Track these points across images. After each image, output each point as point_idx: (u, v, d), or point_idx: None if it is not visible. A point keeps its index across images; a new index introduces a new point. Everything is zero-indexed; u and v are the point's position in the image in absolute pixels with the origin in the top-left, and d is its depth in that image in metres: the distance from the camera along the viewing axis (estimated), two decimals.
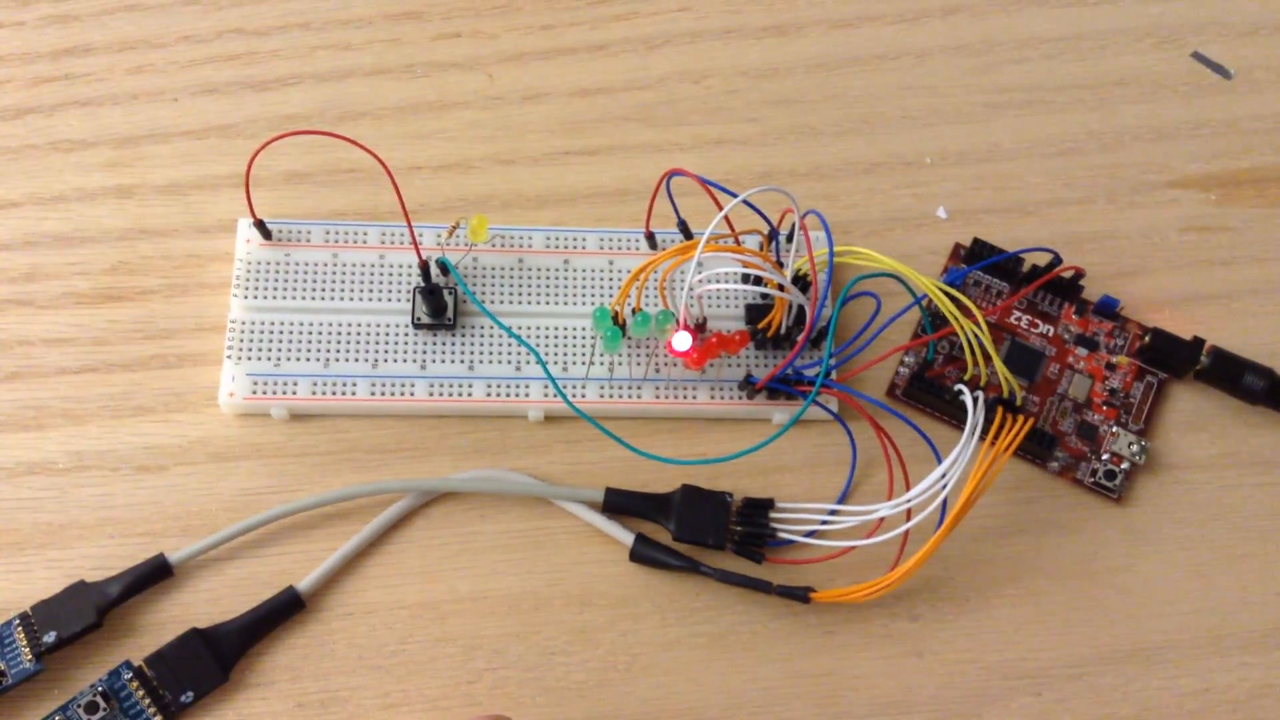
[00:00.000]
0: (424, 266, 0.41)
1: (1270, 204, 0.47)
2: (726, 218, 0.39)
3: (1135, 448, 0.43)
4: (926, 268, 0.45)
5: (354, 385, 0.41)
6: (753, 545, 0.41)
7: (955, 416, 0.43)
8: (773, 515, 0.41)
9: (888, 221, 0.46)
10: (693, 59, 0.48)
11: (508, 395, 0.42)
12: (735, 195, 0.38)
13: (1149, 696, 0.41)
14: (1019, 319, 0.45)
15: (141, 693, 0.38)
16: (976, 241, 0.45)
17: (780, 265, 0.41)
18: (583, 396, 0.42)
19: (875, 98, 0.48)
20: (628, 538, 0.41)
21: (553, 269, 0.44)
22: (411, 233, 0.41)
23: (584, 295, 0.43)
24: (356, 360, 0.42)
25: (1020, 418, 0.41)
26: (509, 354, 0.42)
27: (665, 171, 0.40)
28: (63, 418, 0.42)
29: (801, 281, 0.42)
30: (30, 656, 0.37)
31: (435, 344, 0.42)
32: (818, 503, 0.42)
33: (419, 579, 0.40)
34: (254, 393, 0.41)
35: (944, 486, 0.39)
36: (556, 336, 0.43)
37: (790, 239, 0.41)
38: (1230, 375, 0.43)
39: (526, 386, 0.42)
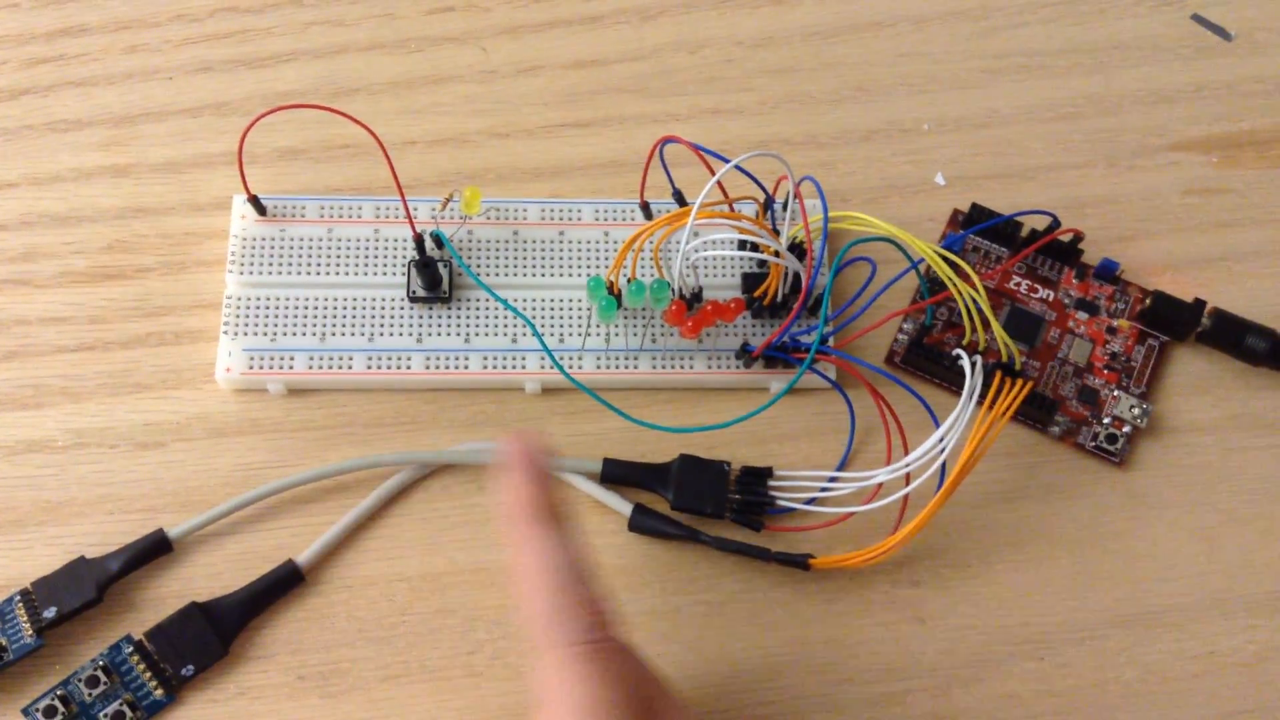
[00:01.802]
0: (419, 240, 0.41)
1: (1271, 165, 0.47)
2: (721, 186, 0.39)
3: (1137, 411, 0.42)
4: (925, 234, 0.45)
5: (350, 360, 0.41)
6: (751, 513, 0.40)
7: (955, 383, 0.43)
8: (771, 483, 0.41)
9: (885, 189, 0.46)
10: (688, 29, 0.48)
11: (504, 368, 0.42)
12: (729, 161, 0.38)
13: (1153, 660, 0.40)
14: (1018, 284, 0.44)
15: (142, 666, 0.38)
16: (975, 207, 0.45)
17: (776, 233, 0.41)
18: (579, 368, 0.42)
19: (872, 65, 0.48)
20: (626, 508, 0.41)
21: (548, 241, 0.43)
22: (406, 207, 0.41)
23: (579, 267, 0.43)
24: (352, 335, 0.42)
25: (1019, 381, 0.41)
26: (505, 326, 0.42)
27: (659, 139, 0.40)
28: (61, 396, 0.42)
29: (798, 249, 0.42)
30: (31, 632, 0.37)
31: (431, 317, 0.42)
32: (817, 470, 0.42)
33: (418, 551, 0.40)
34: (251, 368, 0.41)
35: (942, 450, 0.39)
36: (552, 308, 0.42)
37: (786, 207, 0.41)
38: (1232, 337, 0.43)
39: (523, 359, 0.42)
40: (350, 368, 0.41)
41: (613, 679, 0.29)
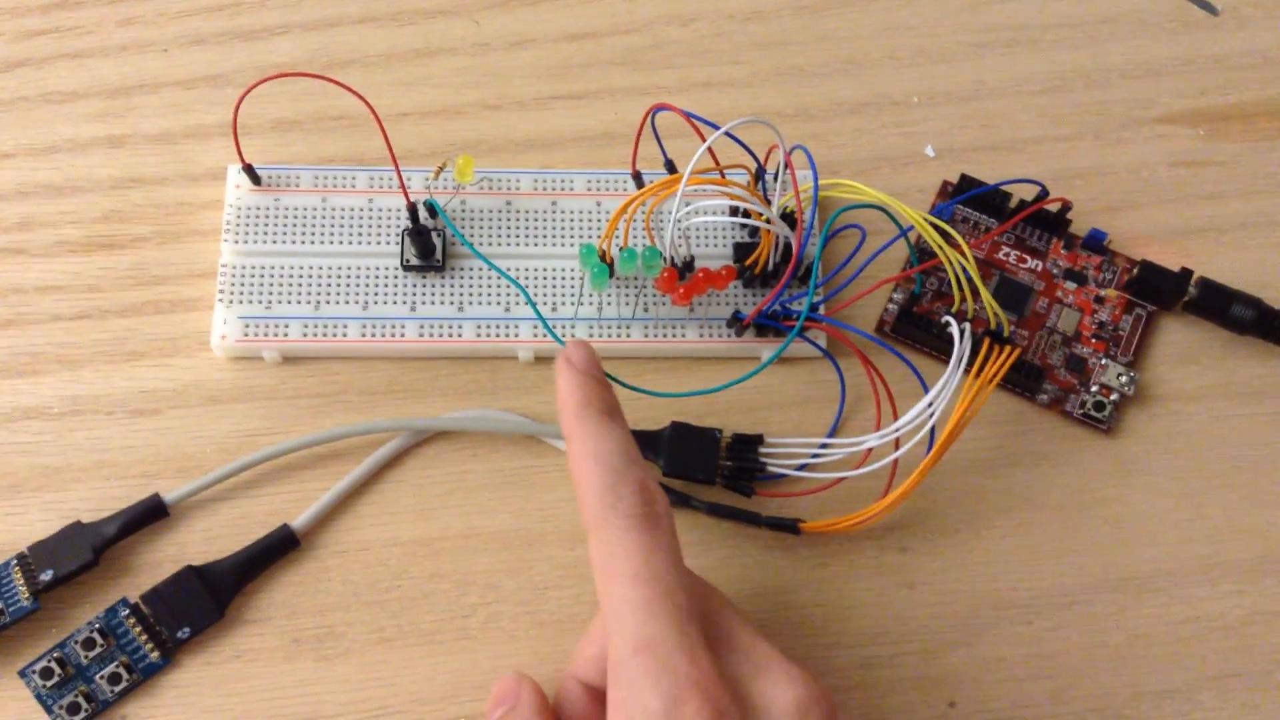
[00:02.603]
0: (412, 209, 0.42)
1: (1257, 138, 0.47)
2: (712, 153, 0.39)
3: (1124, 379, 0.43)
4: (915, 205, 0.45)
5: (345, 327, 0.42)
6: (742, 479, 0.41)
7: (944, 351, 0.43)
8: (762, 450, 0.41)
9: (876, 161, 0.47)
10: (679, 2, 0.49)
11: (497, 336, 0.42)
12: (719, 128, 0.38)
13: (1139, 624, 0.41)
14: (1007, 254, 0.45)
15: (138, 629, 0.38)
16: (964, 178, 0.45)
17: (768, 202, 0.41)
18: (572, 336, 0.42)
19: (862, 38, 0.48)
20: None
21: (540, 210, 0.44)
22: (399, 176, 0.41)
23: (572, 236, 0.43)
24: (347, 303, 0.42)
25: (1007, 349, 0.41)
26: (498, 295, 0.42)
27: (650, 107, 0.40)
28: (57, 363, 0.42)
29: (789, 218, 0.42)
30: (28, 595, 0.38)
31: (425, 286, 0.42)
32: (807, 437, 0.42)
33: (412, 517, 0.41)
34: (245, 335, 0.41)
35: (931, 416, 0.39)
36: (545, 277, 0.43)
37: (777, 177, 0.41)
38: (1218, 306, 0.43)
39: (516, 327, 0.42)
40: (345, 336, 0.42)
41: (663, 548, 0.31)
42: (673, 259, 0.41)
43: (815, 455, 0.41)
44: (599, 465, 0.32)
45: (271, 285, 0.42)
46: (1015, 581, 0.41)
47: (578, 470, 0.33)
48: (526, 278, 0.43)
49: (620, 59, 0.47)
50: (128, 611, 0.38)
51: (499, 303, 0.42)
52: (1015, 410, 0.43)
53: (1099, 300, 0.44)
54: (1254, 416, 0.44)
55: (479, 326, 0.42)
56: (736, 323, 0.42)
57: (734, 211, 0.42)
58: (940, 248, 0.40)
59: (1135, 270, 0.44)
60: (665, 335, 0.43)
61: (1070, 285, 0.44)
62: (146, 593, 0.38)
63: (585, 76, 0.47)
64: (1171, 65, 0.48)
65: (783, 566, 0.41)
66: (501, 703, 0.35)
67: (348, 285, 0.42)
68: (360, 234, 0.43)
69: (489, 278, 0.43)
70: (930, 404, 0.39)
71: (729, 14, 0.48)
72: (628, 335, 0.42)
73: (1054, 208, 0.44)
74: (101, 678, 0.37)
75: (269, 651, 0.39)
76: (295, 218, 0.43)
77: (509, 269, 0.42)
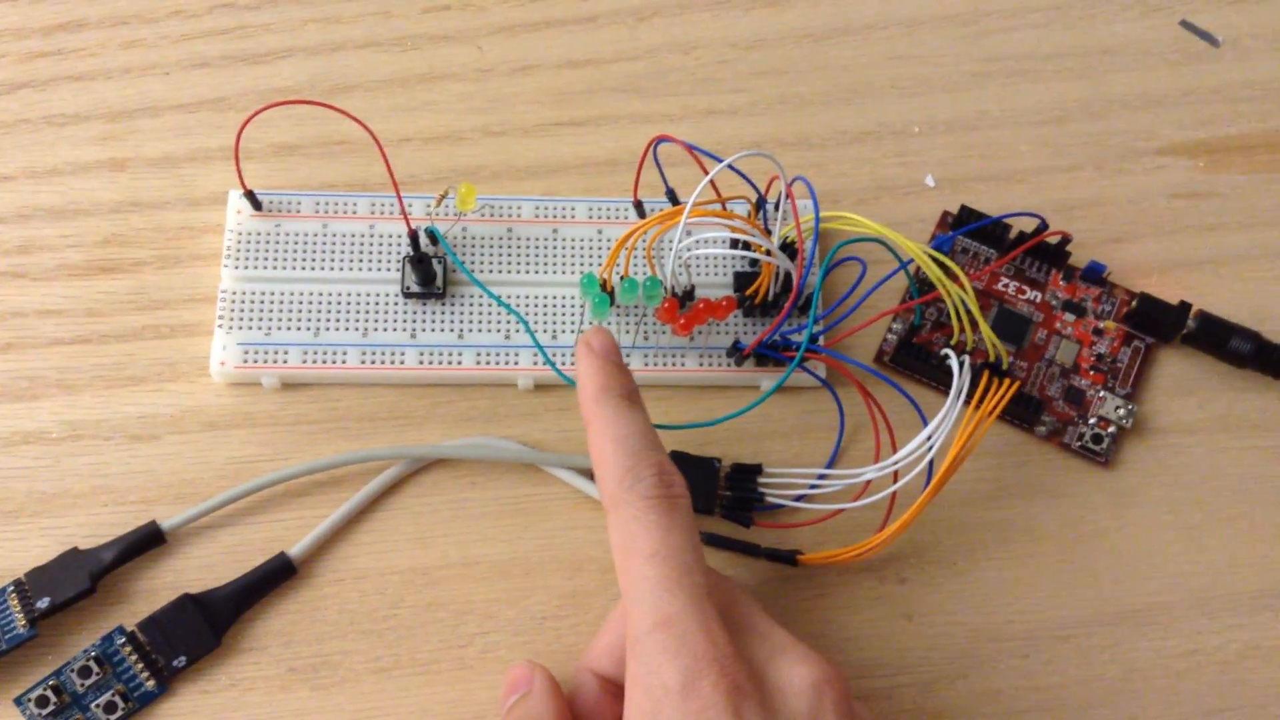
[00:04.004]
0: (413, 236, 0.42)
1: (1257, 170, 0.47)
2: (714, 185, 0.39)
3: (1122, 412, 0.43)
4: (915, 236, 0.45)
5: (344, 354, 0.42)
6: (741, 510, 0.41)
7: (943, 382, 0.43)
8: (761, 480, 0.41)
9: (876, 190, 0.47)
10: (682, 30, 0.49)
11: (497, 363, 0.42)
12: (721, 161, 0.38)
13: (1137, 658, 0.41)
14: (1006, 285, 0.45)
15: (134, 657, 0.38)
16: (964, 209, 0.45)
17: (768, 233, 0.41)
18: (572, 364, 0.42)
19: (864, 67, 0.48)
20: None
21: (542, 238, 0.44)
22: (401, 202, 0.41)
23: (573, 264, 0.43)
24: (347, 329, 0.42)
25: (1006, 381, 0.41)
26: (498, 322, 0.42)
27: (652, 138, 0.40)
28: (56, 388, 0.42)
29: (789, 249, 0.43)
30: (24, 622, 0.38)
31: (425, 313, 0.42)
32: (806, 467, 0.42)
33: (410, 545, 0.41)
34: (245, 362, 0.41)
35: (930, 449, 0.39)
36: (546, 305, 0.43)
37: (778, 207, 0.41)
38: (1217, 339, 0.43)
39: (516, 354, 0.42)
40: (344, 362, 0.42)
41: (680, 528, 0.32)
42: (673, 289, 0.41)
43: (814, 486, 0.41)
44: (618, 448, 0.33)
45: (271, 311, 0.42)
46: (1013, 614, 0.41)
47: (597, 452, 0.34)
48: (527, 306, 0.43)
49: (623, 86, 0.48)
50: (124, 639, 0.38)
51: (499, 330, 0.42)
52: (1013, 442, 0.43)
53: (1098, 332, 0.44)
54: (1252, 449, 0.44)
55: (479, 354, 0.42)
56: (737, 352, 0.42)
57: (735, 244, 0.42)
58: (940, 281, 0.40)
59: (1134, 303, 0.44)
60: (665, 364, 0.43)
61: (1069, 317, 0.44)
62: (143, 621, 0.38)
63: (588, 103, 0.47)
64: (1172, 97, 0.49)
65: (781, 597, 0.41)
66: (515, 690, 0.36)
67: (348, 312, 0.42)
68: (361, 260, 0.43)
69: (489, 305, 0.43)
70: (929, 437, 0.39)
71: (731, 42, 0.49)
72: (628, 363, 0.42)
73: (1053, 240, 0.44)
74: (97, 706, 0.37)
75: (265, 680, 0.39)
76: (296, 243, 0.43)
77: (510, 297, 0.42)
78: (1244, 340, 0.43)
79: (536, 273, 0.43)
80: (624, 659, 0.33)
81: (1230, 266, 0.46)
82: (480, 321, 0.42)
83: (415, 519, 0.41)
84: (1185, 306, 0.44)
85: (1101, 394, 0.43)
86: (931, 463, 0.39)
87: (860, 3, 0.49)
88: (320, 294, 0.42)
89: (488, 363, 0.42)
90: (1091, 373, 0.44)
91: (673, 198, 0.43)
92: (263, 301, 0.42)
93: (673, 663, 0.29)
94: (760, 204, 0.42)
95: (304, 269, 0.43)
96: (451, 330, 0.42)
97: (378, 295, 0.42)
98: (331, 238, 0.43)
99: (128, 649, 0.38)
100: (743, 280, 0.43)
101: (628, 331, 0.43)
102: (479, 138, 0.46)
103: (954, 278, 0.41)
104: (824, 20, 0.49)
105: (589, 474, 0.41)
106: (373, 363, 0.42)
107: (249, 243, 0.43)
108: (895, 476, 0.40)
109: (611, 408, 0.34)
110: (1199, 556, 0.42)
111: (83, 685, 0.37)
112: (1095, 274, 0.45)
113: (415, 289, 0.42)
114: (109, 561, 0.39)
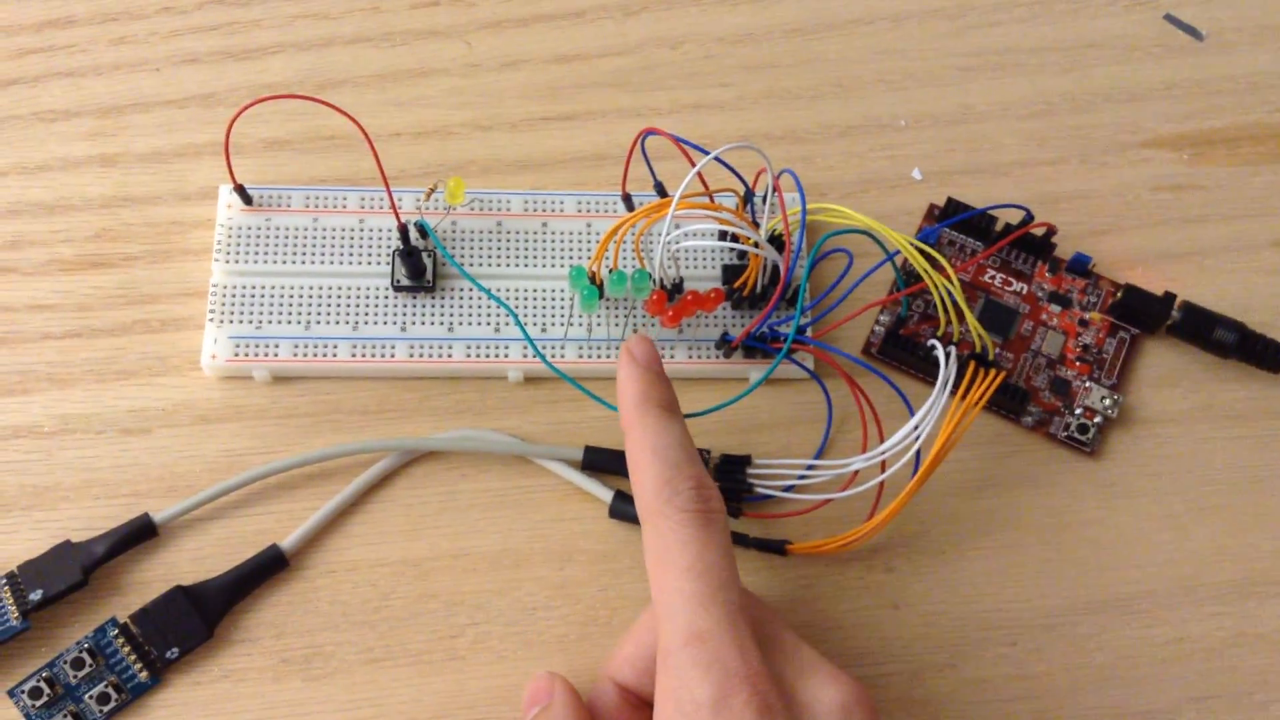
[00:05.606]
0: (403, 230, 0.42)
1: (1241, 163, 0.48)
2: (701, 177, 0.39)
3: (1108, 402, 0.43)
4: (902, 228, 0.45)
5: (335, 347, 0.42)
6: (730, 500, 0.41)
7: (930, 374, 0.44)
8: (750, 471, 0.41)
9: (863, 183, 0.47)
10: (669, 25, 0.49)
11: (487, 356, 0.42)
12: (709, 153, 0.39)
13: (1123, 645, 0.41)
14: (993, 277, 0.45)
15: (127, 649, 0.38)
16: (950, 201, 0.45)
17: (756, 225, 0.41)
18: (561, 357, 0.43)
19: (850, 62, 0.49)
20: (607, 495, 0.41)
21: (531, 232, 0.44)
22: (390, 197, 0.41)
23: (562, 257, 0.44)
24: (337, 323, 0.42)
25: (992, 372, 0.41)
26: (488, 316, 0.43)
27: (640, 131, 0.41)
28: (48, 382, 0.42)
29: (776, 241, 0.43)
30: (17, 615, 0.38)
31: (415, 306, 0.43)
32: (795, 458, 0.42)
33: (401, 537, 0.41)
34: (236, 355, 0.42)
35: (917, 439, 0.39)
36: (535, 298, 0.43)
37: (765, 200, 0.41)
38: (1202, 330, 0.44)
39: (506, 347, 0.42)
40: (335, 356, 0.42)
41: (715, 544, 0.32)
42: (662, 281, 0.41)
43: (802, 477, 0.41)
44: (657, 459, 0.33)
45: (262, 305, 0.42)
46: (999, 603, 0.41)
47: (635, 462, 0.34)
48: (517, 299, 0.43)
49: (611, 80, 0.48)
50: (117, 631, 0.38)
51: (489, 323, 0.43)
52: (1000, 432, 0.44)
53: (1083, 323, 0.45)
54: (1236, 439, 0.44)
55: (469, 347, 0.42)
56: (725, 344, 0.42)
57: (723, 236, 0.42)
58: (926, 272, 0.40)
59: (1119, 294, 0.44)
60: None
61: (1055, 308, 0.45)
62: (135, 612, 0.39)
63: (576, 98, 0.47)
64: (1156, 90, 0.49)
65: (769, 586, 0.41)
66: (535, 702, 0.36)
67: (338, 305, 0.42)
68: (351, 254, 0.43)
69: (479, 298, 0.43)
70: (916, 427, 0.39)
71: (718, 37, 0.49)
72: (617, 355, 0.43)
73: (1039, 232, 0.44)
74: (90, 697, 0.38)
75: (257, 671, 0.39)
76: (286, 238, 0.43)
77: (499, 290, 0.43)
78: (1228, 331, 0.44)
79: (526, 266, 0.44)
80: (646, 670, 0.33)
81: (1214, 258, 0.46)
82: (470, 315, 0.43)
83: (406, 511, 0.41)
84: (1170, 298, 0.44)
85: (1087, 384, 0.44)
86: (919, 453, 0.40)
87: None
88: (310, 288, 0.43)
89: (477, 356, 0.42)
90: (1077, 363, 0.44)
91: (661, 191, 0.43)
92: (253, 295, 0.42)
93: (705, 678, 0.30)
94: (748, 197, 0.42)
95: (294, 263, 0.43)
96: (441, 323, 0.42)
97: (368, 289, 0.43)
98: (321, 232, 0.43)
99: (120, 640, 0.38)
100: (731, 272, 0.44)
101: (617, 324, 0.43)
102: (468, 132, 0.47)
103: (940, 269, 0.41)
104: (811, 15, 0.49)
105: (578, 465, 0.42)
106: (363, 356, 0.42)
107: (239, 237, 0.43)
108: (883, 466, 0.40)
109: (652, 418, 0.34)
110: (1184, 545, 0.42)
111: (76, 677, 0.38)
112: (1080, 266, 0.45)
113: (405, 282, 0.43)
114: (101, 554, 0.39)
